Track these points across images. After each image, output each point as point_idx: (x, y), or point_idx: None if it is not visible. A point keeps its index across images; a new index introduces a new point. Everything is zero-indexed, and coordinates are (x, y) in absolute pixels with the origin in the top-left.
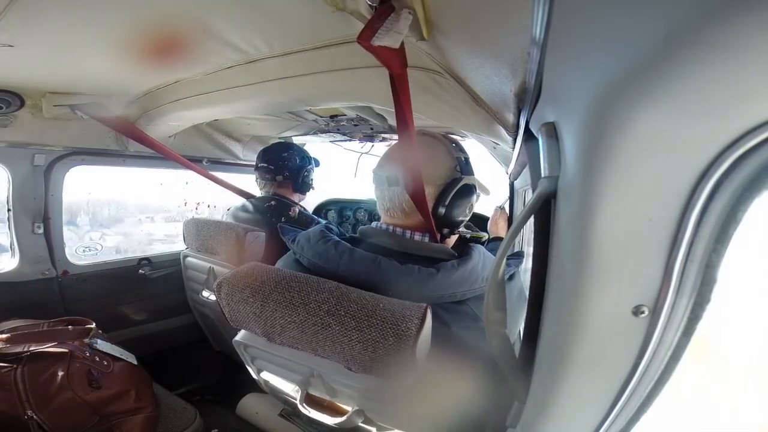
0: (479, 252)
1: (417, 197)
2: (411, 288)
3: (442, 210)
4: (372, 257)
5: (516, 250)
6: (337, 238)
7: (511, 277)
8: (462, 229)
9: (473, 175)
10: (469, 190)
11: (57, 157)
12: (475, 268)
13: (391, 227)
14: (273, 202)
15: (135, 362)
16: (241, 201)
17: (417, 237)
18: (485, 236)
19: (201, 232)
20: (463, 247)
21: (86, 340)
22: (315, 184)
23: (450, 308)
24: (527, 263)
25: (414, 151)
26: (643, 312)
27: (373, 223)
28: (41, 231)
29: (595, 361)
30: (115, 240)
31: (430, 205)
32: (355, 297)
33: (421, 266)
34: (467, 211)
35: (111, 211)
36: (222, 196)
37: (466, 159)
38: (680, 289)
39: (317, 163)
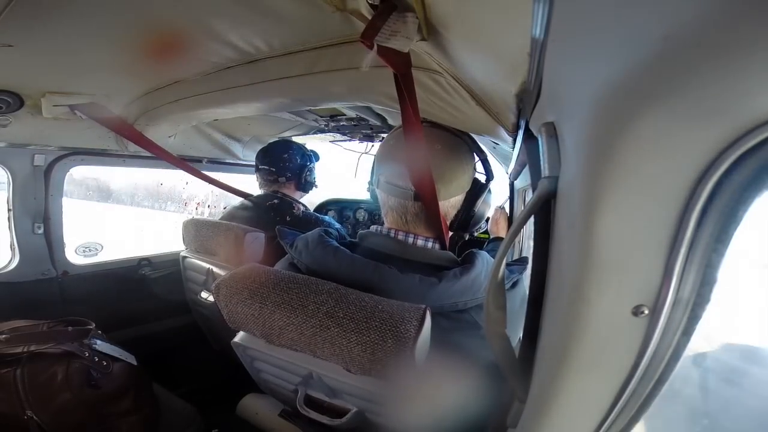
0: (482, 260)
1: (436, 206)
2: (411, 297)
3: (465, 217)
4: (372, 265)
5: (516, 249)
6: (336, 244)
7: (514, 285)
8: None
9: (494, 178)
10: (489, 191)
11: (57, 157)
12: (478, 277)
13: (393, 231)
14: (276, 201)
15: (134, 363)
16: (239, 200)
17: (420, 242)
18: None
19: (200, 232)
20: (466, 254)
21: (86, 341)
22: (317, 181)
23: (451, 317)
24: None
25: (437, 159)
26: (643, 312)
27: (373, 227)
28: (41, 231)
29: (595, 361)
30: None
31: (452, 212)
32: (353, 299)
33: (422, 275)
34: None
35: None
36: (223, 197)
37: (486, 160)
38: (680, 289)
39: (317, 158)
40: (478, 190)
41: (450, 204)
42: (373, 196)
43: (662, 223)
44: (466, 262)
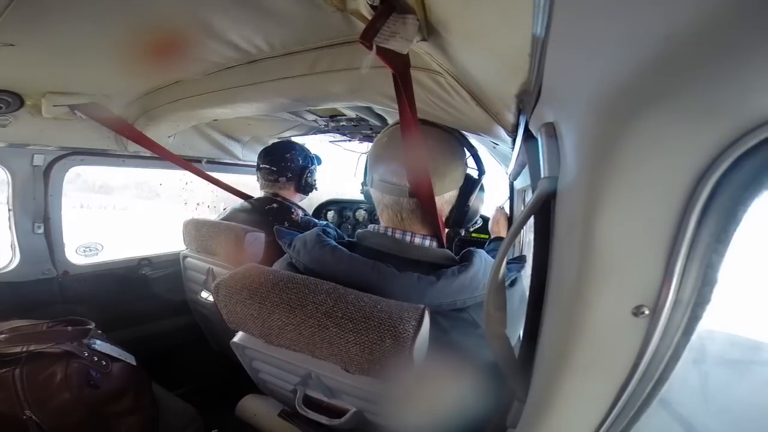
0: (480, 258)
1: (432, 202)
2: (410, 296)
3: (460, 212)
4: (370, 264)
5: (517, 249)
6: (334, 243)
7: (512, 283)
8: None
9: (486, 172)
10: (482, 186)
11: (56, 157)
12: (476, 276)
13: (390, 230)
14: (275, 205)
15: (134, 363)
16: (239, 201)
17: (417, 240)
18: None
19: (200, 232)
20: (465, 252)
21: (85, 341)
22: (317, 184)
23: (449, 315)
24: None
25: (430, 155)
26: (643, 312)
27: (370, 226)
28: (41, 231)
29: (595, 362)
30: None
31: (447, 207)
32: (352, 299)
33: (420, 273)
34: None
35: None
36: (223, 198)
37: (477, 155)
38: (681, 290)
39: (319, 161)
40: (471, 184)
41: (444, 199)
42: (367, 196)
43: (662, 223)
44: (464, 261)
